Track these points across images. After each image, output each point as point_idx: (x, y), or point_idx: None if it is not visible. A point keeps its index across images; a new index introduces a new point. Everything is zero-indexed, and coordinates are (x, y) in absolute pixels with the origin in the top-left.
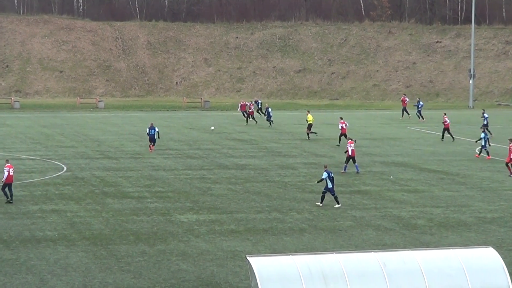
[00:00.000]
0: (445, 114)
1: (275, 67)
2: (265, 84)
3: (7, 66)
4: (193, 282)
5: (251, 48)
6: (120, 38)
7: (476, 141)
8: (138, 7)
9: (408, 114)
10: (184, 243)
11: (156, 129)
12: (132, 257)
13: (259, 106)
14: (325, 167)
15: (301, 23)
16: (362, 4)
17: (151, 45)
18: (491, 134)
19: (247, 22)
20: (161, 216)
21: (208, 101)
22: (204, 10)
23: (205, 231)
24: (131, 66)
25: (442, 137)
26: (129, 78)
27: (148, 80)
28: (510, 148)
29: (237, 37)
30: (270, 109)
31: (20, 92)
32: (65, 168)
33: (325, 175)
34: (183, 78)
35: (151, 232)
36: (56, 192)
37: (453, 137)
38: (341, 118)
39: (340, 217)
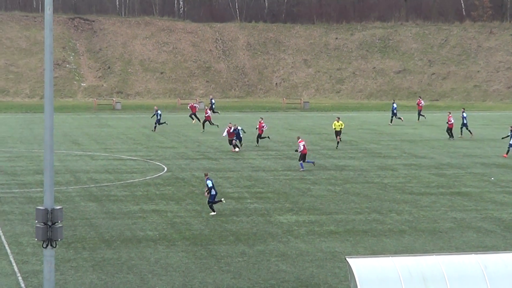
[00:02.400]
0: (449, 113)
1: (374, 68)
2: (365, 85)
3: (109, 68)
4: (292, 283)
5: (351, 49)
6: (220, 39)
7: (502, 138)
8: (238, 8)
9: (424, 116)
10: (283, 244)
11: (239, 128)
12: (231, 258)
13: (212, 105)
14: (206, 175)
15: (401, 23)
16: (462, 4)
17: (251, 46)
18: (471, 134)
19: (347, 23)
20: (260, 216)
21: (308, 102)
22: (304, 11)
23: (304, 232)
24: (231, 67)
25: (452, 136)
26: (229, 79)
27: (248, 81)
28: None
29: (336, 38)
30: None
31: (122, 93)
32: (165, 169)
33: (210, 183)
34: (283, 79)
35: (250, 232)
36: (157, 193)
37: (453, 136)
38: (261, 119)
39: (440, 218)
